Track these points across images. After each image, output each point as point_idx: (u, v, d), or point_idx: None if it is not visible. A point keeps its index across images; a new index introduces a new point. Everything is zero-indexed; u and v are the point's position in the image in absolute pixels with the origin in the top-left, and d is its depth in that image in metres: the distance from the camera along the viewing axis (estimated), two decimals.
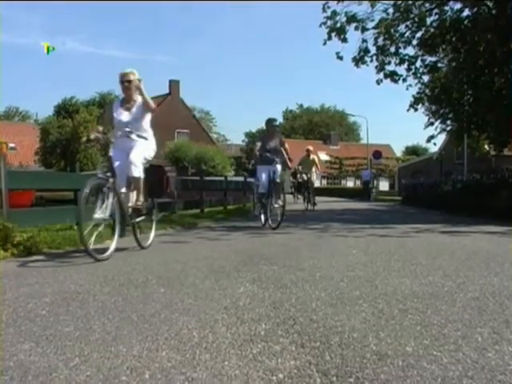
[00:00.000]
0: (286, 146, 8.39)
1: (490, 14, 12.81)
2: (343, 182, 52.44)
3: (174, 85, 42.45)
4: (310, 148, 14.96)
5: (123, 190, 4.81)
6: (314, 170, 14.40)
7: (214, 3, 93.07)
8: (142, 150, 4.95)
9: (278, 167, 8.10)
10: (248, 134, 63.94)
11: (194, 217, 10.71)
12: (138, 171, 4.84)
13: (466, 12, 13.31)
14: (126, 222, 4.82)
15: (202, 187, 12.99)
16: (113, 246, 4.48)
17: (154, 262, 4.26)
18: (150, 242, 5.35)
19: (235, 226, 8.65)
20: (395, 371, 1.66)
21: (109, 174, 4.56)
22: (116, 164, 4.75)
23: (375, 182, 33.95)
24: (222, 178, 17.37)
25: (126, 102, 5.03)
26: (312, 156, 14.66)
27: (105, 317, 2.39)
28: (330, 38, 13.35)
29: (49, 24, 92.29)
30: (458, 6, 13.39)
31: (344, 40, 13.31)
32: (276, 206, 7.80)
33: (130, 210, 4.85)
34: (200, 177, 14.33)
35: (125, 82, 4.94)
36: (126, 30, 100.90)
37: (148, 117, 5.09)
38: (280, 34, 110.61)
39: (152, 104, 5.06)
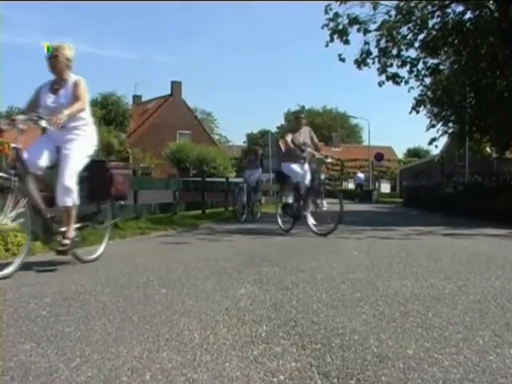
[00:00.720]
0: (316, 139, 8.00)
1: (492, 17, 12.82)
2: (344, 183, 52.40)
3: (175, 86, 42.43)
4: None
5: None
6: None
7: (214, 3, 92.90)
8: (78, 159, 3.97)
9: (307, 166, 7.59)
10: (249, 136, 63.88)
11: (196, 218, 10.74)
12: (70, 199, 3.85)
13: (468, 14, 13.35)
14: (49, 230, 3.90)
15: (203, 188, 13.02)
16: (16, 261, 3.57)
17: (155, 263, 4.27)
18: (98, 253, 4.42)
19: (236, 227, 8.65)
20: (396, 373, 1.66)
21: (13, 171, 3.61)
22: (32, 156, 3.83)
23: (377, 184, 33.95)
24: (224, 180, 17.38)
25: (56, 84, 4.02)
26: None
27: (106, 317, 2.39)
28: (332, 39, 13.37)
29: (49, 24, 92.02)
30: (460, 8, 13.41)
31: (346, 42, 13.33)
32: (325, 209, 7.12)
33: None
34: (201, 178, 14.33)
35: (51, 57, 3.93)
36: (126, 30, 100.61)
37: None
38: (281, 34, 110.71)
39: (79, 106, 3.93)
